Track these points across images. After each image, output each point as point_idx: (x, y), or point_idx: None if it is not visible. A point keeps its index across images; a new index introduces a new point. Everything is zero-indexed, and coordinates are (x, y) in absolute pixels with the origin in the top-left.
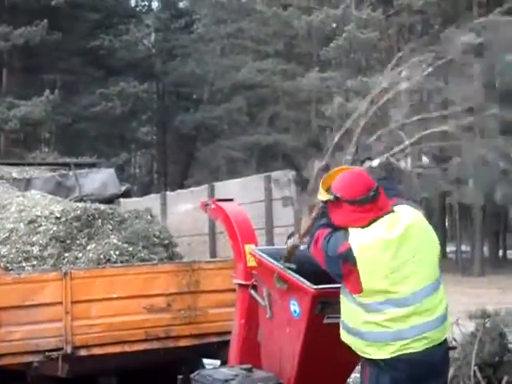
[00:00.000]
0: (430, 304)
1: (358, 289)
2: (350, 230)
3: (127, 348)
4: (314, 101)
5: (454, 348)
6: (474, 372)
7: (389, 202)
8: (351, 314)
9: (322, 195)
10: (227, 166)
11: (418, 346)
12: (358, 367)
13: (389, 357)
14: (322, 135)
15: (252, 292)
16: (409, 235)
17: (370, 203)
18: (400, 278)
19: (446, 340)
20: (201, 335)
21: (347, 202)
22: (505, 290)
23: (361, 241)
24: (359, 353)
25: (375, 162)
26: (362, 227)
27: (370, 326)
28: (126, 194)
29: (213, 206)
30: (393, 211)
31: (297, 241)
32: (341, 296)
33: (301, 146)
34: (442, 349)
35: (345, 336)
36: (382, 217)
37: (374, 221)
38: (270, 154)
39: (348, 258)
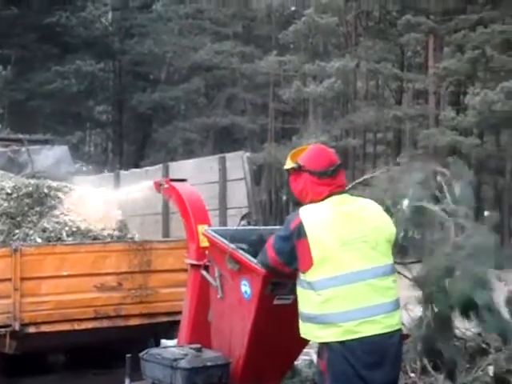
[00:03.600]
0: (380, 287)
1: (308, 263)
2: (301, 208)
3: (76, 326)
4: (271, 84)
5: (407, 336)
6: (421, 356)
7: (345, 183)
8: (305, 299)
9: (287, 164)
10: (183, 147)
11: (367, 330)
12: (306, 350)
13: (341, 339)
14: (279, 118)
15: (204, 272)
16: (361, 214)
17: (328, 177)
18: (349, 252)
19: (400, 329)
20: (151, 314)
21: (308, 172)
22: None
23: (311, 213)
24: (314, 339)
25: None
26: (317, 201)
27: (320, 307)
28: (80, 172)
29: (166, 185)
30: (347, 192)
31: None
32: (297, 286)
33: (257, 128)
34: (395, 337)
35: (301, 328)
36: (338, 194)
37: (329, 196)
38: (226, 136)
39: (300, 232)
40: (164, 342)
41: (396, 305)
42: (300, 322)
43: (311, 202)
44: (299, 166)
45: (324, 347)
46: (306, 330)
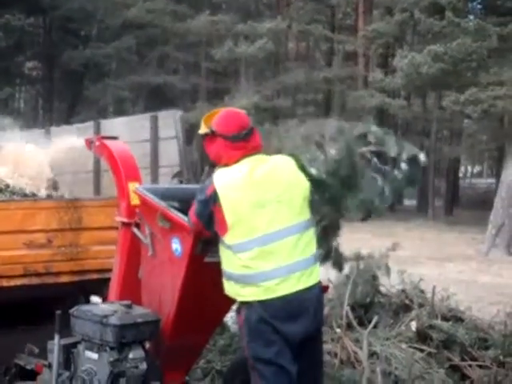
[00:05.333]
0: (297, 245)
1: (224, 228)
2: (215, 173)
3: (5, 283)
4: (203, 44)
5: (327, 288)
6: (347, 312)
7: (260, 144)
8: (226, 259)
9: (202, 129)
10: (115, 106)
11: (285, 289)
12: (235, 306)
13: (261, 298)
14: (211, 78)
15: (135, 230)
16: (274, 174)
17: (241, 141)
18: (263, 214)
19: (318, 283)
20: (81, 272)
21: (221, 136)
22: (376, 235)
23: (224, 179)
24: (236, 297)
25: None
26: (231, 163)
27: (240, 268)
28: (9, 128)
29: (97, 143)
30: (261, 153)
31: None
32: (219, 246)
33: (189, 88)
34: (313, 291)
35: (225, 284)
36: (252, 155)
37: (243, 158)
38: (158, 95)
39: (215, 198)
40: (93, 298)
41: (314, 260)
42: (224, 279)
43: (226, 164)
44: (212, 131)
45: (243, 304)
46: (228, 287)
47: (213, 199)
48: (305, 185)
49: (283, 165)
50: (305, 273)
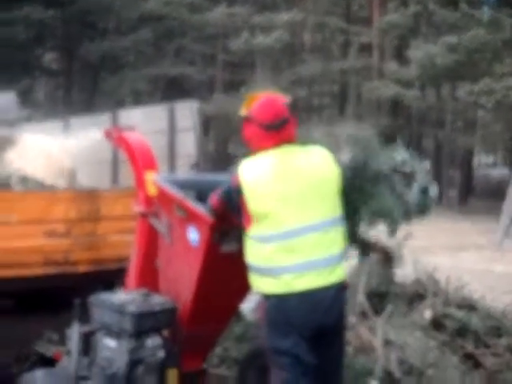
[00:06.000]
0: (321, 241)
1: (248, 219)
2: (242, 163)
3: (25, 272)
4: (220, 35)
5: (345, 287)
6: (361, 301)
7: (294, 135)
8: (248, 249)
9: (242, 111)
10: (132, 98)
11: (303, 283)
12: (249, 296)
13: (279, 292)
14: (227, 70)
15: (152, 219)
16: (306, 167)
17: (275, 130)
18: (289, 208)
19: (340, 282)
20: (100, 261)
21: (256, 123)
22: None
23: (249, 172)
24: (256, 288)
25: None
26: (262, 151)
27: (261, 260)
28: (28, 120)
29: (115, 134)
30: (295, 144)
31: None
32: (244, 236)
33: (206, 79)
34: (332, 289)
35: (250, 275)
36: (283, 146)
37: (274, 148)
38: (175, 87)
39: (239, 189)
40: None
41: (338, 258)
42: (249, 271)
43: (256, 151)
44: (249, 116)
45: (263, 296)
46: (252, 278)
47: (238, 191)
48: (335, 183)
49: (318, 158)
50: (326, 270)
